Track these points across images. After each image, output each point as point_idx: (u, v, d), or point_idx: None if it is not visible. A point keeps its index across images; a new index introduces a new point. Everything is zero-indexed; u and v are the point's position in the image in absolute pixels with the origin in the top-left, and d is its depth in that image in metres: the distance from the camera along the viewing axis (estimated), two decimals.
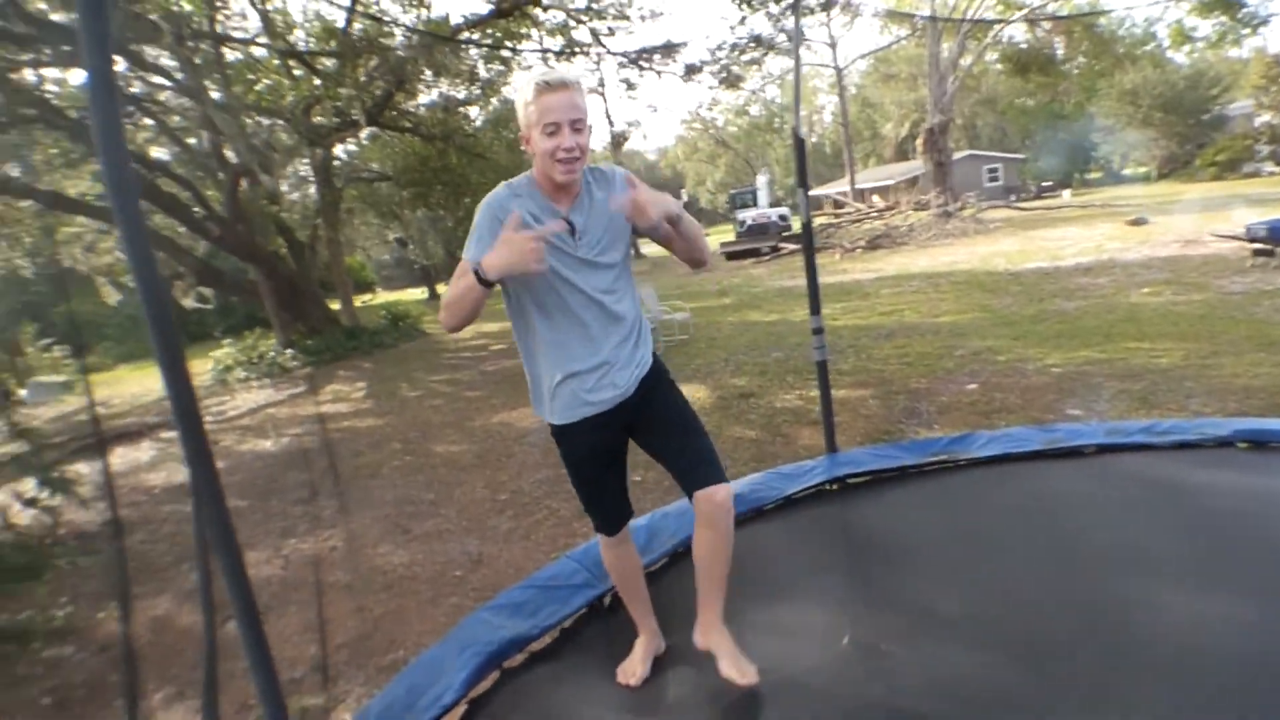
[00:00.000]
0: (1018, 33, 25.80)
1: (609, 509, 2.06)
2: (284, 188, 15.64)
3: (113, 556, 4.28)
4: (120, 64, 10.65)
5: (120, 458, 8.04)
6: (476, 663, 2.19)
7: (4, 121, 10.20)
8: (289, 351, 13.47)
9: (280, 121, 13.21)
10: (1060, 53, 26.78)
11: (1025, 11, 22.69)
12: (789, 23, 13.06)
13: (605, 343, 1.84)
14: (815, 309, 3.58)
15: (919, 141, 25.84)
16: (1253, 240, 8.96)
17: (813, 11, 13.33)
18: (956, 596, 2.29)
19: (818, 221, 23.95)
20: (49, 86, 11.12)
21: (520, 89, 1.77)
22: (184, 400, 1.53)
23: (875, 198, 31.13)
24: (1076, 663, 1.90)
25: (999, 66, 30.13)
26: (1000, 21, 23.61)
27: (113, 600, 4.07)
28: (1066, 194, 31.06)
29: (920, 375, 6.25)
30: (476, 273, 1.64)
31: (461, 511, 4.76)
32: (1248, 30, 20.07)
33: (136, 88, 12.06)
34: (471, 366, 10.78)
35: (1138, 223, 15.49)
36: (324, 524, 4.97)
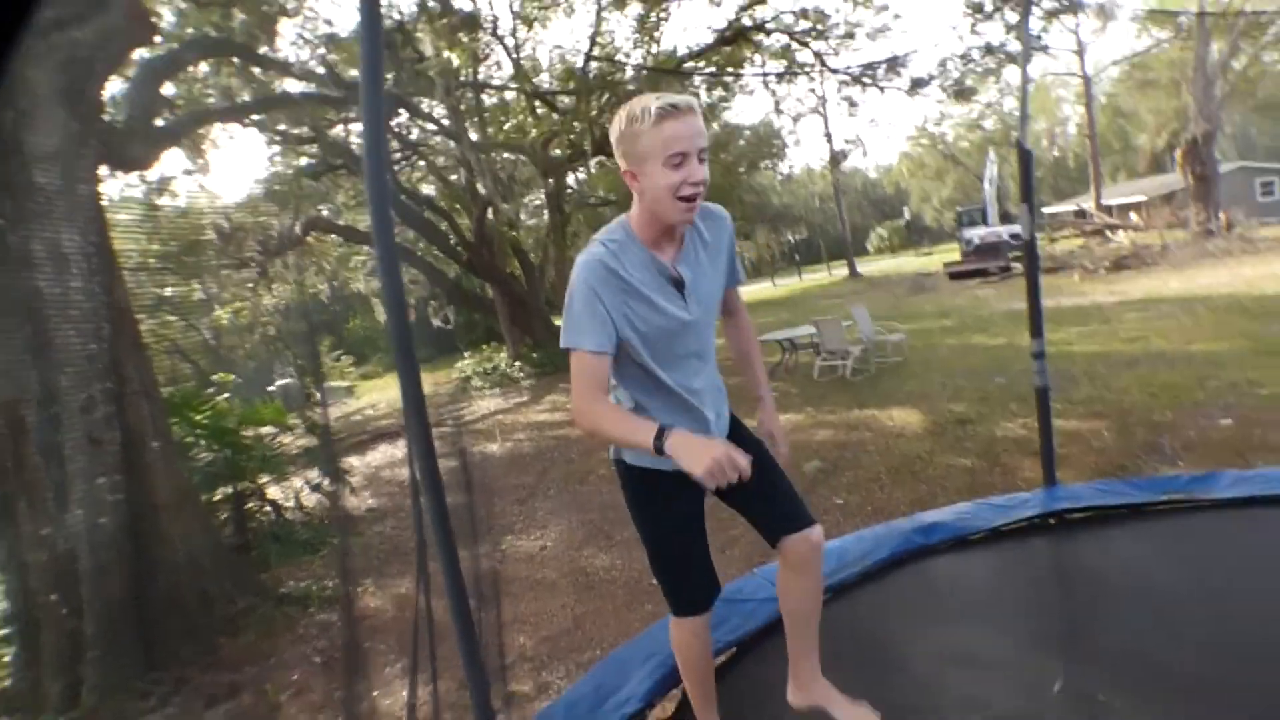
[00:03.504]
0: None
1: (707, 576, 1.78)
2: (521, 215, 17.37)
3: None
4: (403, 115, 12.61)
5: (380, 454, 9.40)
6: (661, 673, 2.28)
7: (320, 170, 12.53)
8: (517, 364, 14.88)
9: (522, 156, 14.72)
10: None
11: None
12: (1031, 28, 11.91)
13: (704, 398, 1.69)
14: (1037, 331, 3.29)
15: (1179, 153, 22.16)
16: None
17: (1054, 17, 11.93)
18: (1186, 651, 2.01)
19: (1062, 245, 21.45)
20: (353, 139, 13.46)
21: (624, 116, 1.50)
22: (416, 403, 1.73)
23: (1132, 215, 27.07)
24: None
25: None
26: None
27: (369, 577, 4.78)
28: None
29: (1165, 407, 5.48)
30: (657, 446, 1.40)
31: None
32: None
33: (414, 134, 14.18)
34: None
35: None
36: (537, 524, 5.43)
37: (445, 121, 12.73)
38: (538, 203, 18.61)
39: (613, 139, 1.54)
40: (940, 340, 10.62)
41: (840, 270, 33.23)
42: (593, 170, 18.85)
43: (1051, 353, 8.46)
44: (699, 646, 1.81)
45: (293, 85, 9.94)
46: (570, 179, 18.43)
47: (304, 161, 12.58)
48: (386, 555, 5.18)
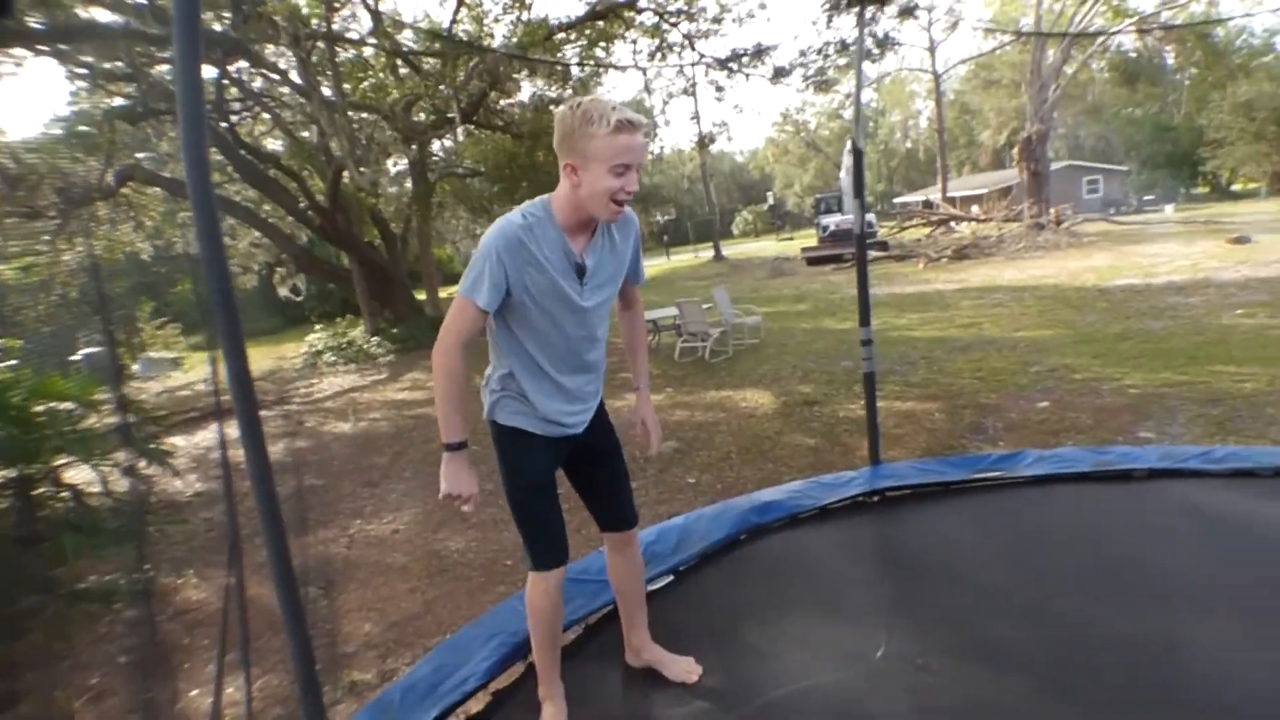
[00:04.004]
0: (1127, 41, 24.42)
1: (562, 532, 1.94)
2: (383, 181, 16.25)
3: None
4: (242, 62, 11.42)
5: (211, 433, 8.55)
6: (503, 652, 2.25)
7: (139, 113, 11.06)
8: (375, 338, 14.08)
9: (381, 118, 13.76)
10: (1171, 63, 25.05)
11: (1135, 20, 21.32)
12: (879, 28, 12.62)
13: (580, 378, 1.87)
14: (865, 320, 3.54)
15: (1015, 150, 24.68)
16: None
17: (907, 15, 12.75)
18: (990, 616, 2.24)
19: (910, 234, 23.25)
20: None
21: (579, 115, 1.62)
22: (239, 375, 1.59)
23: (974, 207, 29.79)
24: (1108, 691, 1.84)
25: (1105, 75, 28.51)
26: (1106, 34, 22.26)
27: (191, 567, 4.34)
28: (1169, 209, 28.96)
29: (991, 390, 6.07)
30: (446, 446, 1.73)
31: None
32: None
33: (258, 83, 12.88)
34: None
35: (1240, 241, 14.55)
36: (389, 506, 5.17)
37: (293, 74, 11.66)
38: (400, 168, 17.57)
39: (560, 130, 1.65)
40: (795, 324, 11.17)
41: (706, 252, 34.15)
42: (460, 139, 18.04)
43: (894, 337, 9.18)
44: (551, 607, 1.93)
45: (103, 16, 8.67)
46: (436, 146, 17.54)
47: (118, 102, 11.03)
48: (213, 544, 4.73)
